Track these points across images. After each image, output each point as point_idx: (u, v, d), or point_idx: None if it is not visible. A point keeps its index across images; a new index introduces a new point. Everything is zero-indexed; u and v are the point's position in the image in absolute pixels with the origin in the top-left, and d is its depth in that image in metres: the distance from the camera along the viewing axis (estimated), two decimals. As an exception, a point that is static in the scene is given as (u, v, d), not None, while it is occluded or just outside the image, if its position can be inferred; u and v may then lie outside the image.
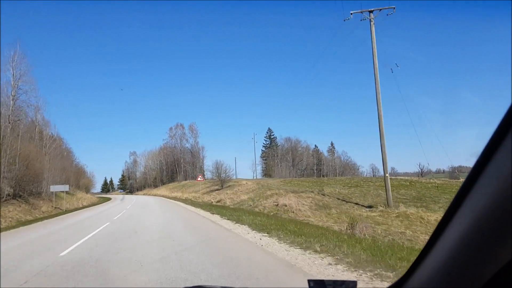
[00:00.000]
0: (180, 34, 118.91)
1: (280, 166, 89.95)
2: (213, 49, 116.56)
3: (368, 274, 5.49)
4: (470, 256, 0.90)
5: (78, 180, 59.67)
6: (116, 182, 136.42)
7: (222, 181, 41.70)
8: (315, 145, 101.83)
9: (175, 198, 46.64)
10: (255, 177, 79.37)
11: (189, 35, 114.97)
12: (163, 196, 58.82)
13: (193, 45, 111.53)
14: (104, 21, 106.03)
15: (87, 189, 59.91)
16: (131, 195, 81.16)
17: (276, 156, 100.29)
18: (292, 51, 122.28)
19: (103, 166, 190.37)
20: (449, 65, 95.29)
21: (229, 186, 41.96)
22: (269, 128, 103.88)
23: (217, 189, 41.44)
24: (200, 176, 31.73)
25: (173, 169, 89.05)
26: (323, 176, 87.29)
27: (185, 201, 37.26)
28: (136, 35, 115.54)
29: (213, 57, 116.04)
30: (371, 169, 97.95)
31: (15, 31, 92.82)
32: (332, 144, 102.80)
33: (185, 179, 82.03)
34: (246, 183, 38.03)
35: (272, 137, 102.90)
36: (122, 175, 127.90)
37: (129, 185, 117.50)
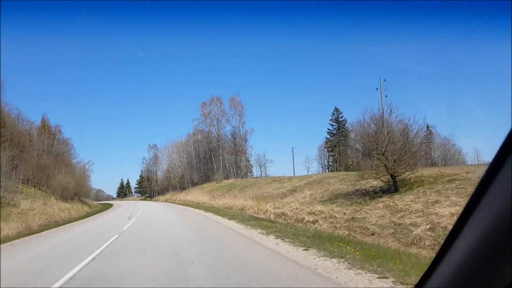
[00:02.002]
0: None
1: (361, 157, 61.20)
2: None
3: None
4: (477, 271, 0.92)
5: (51, 175, 33.46)
6: (133, 184, 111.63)
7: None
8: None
9: (231, 212, 18.38)
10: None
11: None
12: (199, 205, 31.32)
13: None
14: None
15: (66, 192, 33.47)
16: (147, 202, 54.81)
17: (349, 145, 71.78)
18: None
19: (121, 167, 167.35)
20: (449, 72, 79.65)
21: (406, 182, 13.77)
22: (336, 108, 75.23)
23: (386, 192, 13.36)
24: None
25: (207, 164, 61.94)
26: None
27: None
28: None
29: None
30: (475, 155, 68.66)
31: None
32: (428, 127, 71.99)
33: (226, 177, 54.73)
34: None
35: (340, 119, 74.24)
36: (140, 176, 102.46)
37: (148, 188, 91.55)
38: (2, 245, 11.56)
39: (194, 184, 59.32)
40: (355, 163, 64.06)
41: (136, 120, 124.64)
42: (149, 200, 70.85)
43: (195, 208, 26.77)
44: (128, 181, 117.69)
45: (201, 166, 62.66)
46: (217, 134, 58.00)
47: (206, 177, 58.85)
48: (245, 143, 57.77)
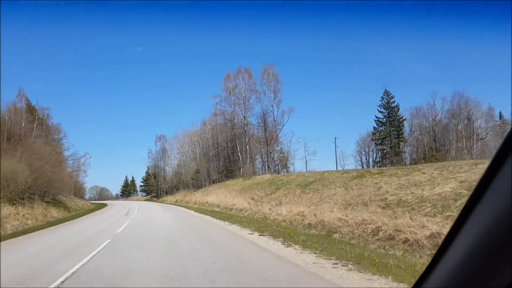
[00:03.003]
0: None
1: (435, 149, 46.91)
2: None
3: None
4: (476, 270, 0.90)
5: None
6: (139, 182, 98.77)
7: None
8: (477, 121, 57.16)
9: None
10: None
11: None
12: (252, 219, 17.84)
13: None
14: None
15: (15, 188, 20.43)
16: (149, 206, 41.80)
17: (404, 136, 57.85)
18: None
19: (128, 164, 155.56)
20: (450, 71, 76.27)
21: None
22: (385, 91, 60.60)
23: None
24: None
25: (228, 155, 48.42)
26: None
27: None
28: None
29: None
30: None
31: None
32: (501, 116, 57.10)
33: (253, 173, 41.19)
34: None
35: (392, 105, 59.89)
36: (146, 173, 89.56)
37: (155, 186, 78.43)
38: None
39: (212, 182, 45.93)
40: (420, 156, 49.79)
41: (143, 112, 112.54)
42: (155, 201, 57.69)
43: (283, 238, 12.85)
44: (133, 178, 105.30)
45: (222, 159, 49.16)
46: (243, 117, 44.31)
47: (228, 172, 45.34)
48: (281, 128, 44.03)
